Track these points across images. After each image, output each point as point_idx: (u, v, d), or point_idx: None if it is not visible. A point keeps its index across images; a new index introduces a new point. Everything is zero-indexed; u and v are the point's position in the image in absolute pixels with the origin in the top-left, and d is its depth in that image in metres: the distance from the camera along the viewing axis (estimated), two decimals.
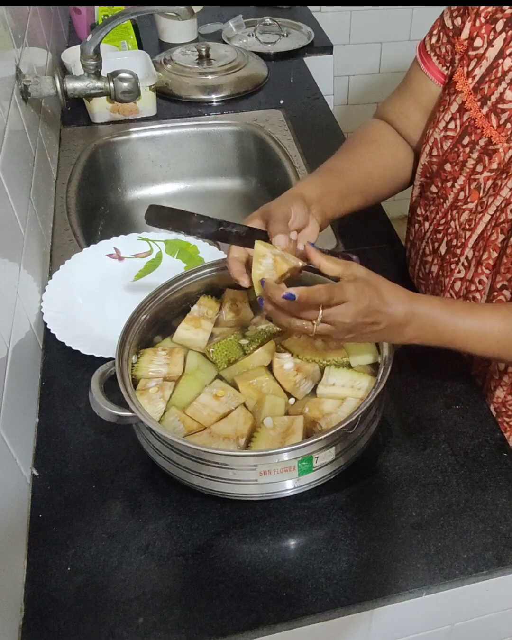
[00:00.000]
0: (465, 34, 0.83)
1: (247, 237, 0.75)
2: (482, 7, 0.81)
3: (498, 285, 0.86)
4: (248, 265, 0.75)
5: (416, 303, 0.72)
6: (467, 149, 0.85)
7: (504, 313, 0.76)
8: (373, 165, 0.96)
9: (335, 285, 0.67)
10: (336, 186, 0.89)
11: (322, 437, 0.68)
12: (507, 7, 0.79)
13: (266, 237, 0.75)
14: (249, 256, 0.76)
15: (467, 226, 0.88)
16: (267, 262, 0.71)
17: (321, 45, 1.73)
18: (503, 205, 0.82)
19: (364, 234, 1.17)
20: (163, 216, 0.78)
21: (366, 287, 0.68)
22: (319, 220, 0.84)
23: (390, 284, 0.72)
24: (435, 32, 0.90)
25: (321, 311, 0.66)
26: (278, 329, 0.83)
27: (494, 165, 0.82)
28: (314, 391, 0.78)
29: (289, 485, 0.73)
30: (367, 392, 0.74)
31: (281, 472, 0.70)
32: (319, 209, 0.84)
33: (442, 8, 0.91)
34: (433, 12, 0.97)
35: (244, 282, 0.75)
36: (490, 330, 0.75)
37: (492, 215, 0.84)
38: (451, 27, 0.87)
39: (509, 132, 0.80)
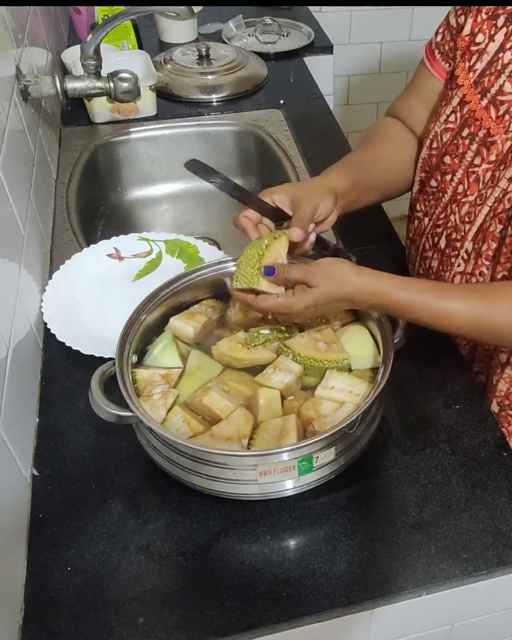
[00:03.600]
0: (466, 30, 0.85)
1: (271, 214, 0.83)
2: None
3: (498, 276, 0.86)
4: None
5: (379, 295, 0.75)
6: (467, 141, 0.86)
7: (473, 299, 0.76)
8: (392, 163, 0.99)
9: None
10: (360, 182, 0.92)
11: (322, 437, 0.68)
12: None
13: (286, 218, 0.83)
14: (260, 219, 0.83)
15: (467, 219, 0.88)
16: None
17: (321, 45, 1.73)
18: (501, 196, 0.83)
19: (364, 233, 1.17)
20: (200, 169, 0.88)
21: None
22: (338, 213, 0.89)
23: (351, 279, 0.75)
24: (441, 30, 0.93)
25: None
26: (277, 336, 0.83)
27: (493, 157, 0.83)
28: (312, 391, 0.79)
29: (289, 485, 0.73)
30: (363, 399, 0.74)
31: (280, 472, 0.70)
32: (342, 203, 0.89)
33: (442, 8, 0.92)
34: (433, 12, 0.97)
35: (253, 235, 0.82)
36: (457, 313, 0.75)
37: (491, 207, 0.85)
38: (454, 25, 0.89)
39: (507, 124, 0.81)
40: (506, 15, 0.80)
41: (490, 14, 0.82)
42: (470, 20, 0.84)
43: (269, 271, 0.76)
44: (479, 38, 0.83)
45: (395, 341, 0.77)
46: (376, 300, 0.75)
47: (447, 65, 0.91)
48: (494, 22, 0.81)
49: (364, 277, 0.75)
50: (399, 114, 1.02)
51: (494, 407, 0.95)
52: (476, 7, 0.83)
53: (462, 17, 0.86)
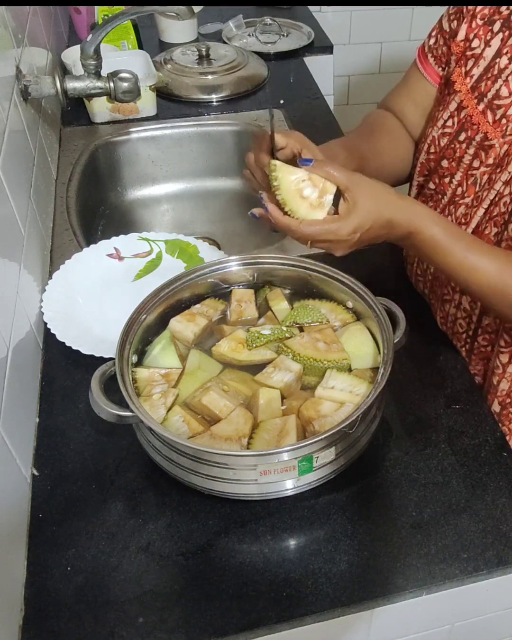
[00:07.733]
0: (461, 35, 0.85)
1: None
2: (478, 9, 0.83)
3: None
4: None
5: (417, 222, 0.74)
6: (464, 145, 0.86)
7: (503, 261, 0.76)
8: (389, 158, 0.99)
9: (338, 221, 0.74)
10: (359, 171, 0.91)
11: (323, 436, 0.68)
12: (504, 8, 0.80)
13: None
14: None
15: (463, 220, 0.89)
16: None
17: (321, 45, 1.73)
18: (497, 198, 0.83)
19: None
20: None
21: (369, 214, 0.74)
22: None
23: (393, 200, 0.74)
24: (434, 34, 0.92)
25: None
26: (278, 336, 0.83)
27: (491, 161, 0.83)
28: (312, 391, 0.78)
29: (289, 485, 0.73)
30: (364, 399, 0.74)
31: (280, 472, 0.70)
32: None
33: (442, 8, 0.92)
34: (433, 12, 0.98)
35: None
36: (484, 270, 0.76)
37: (486, 209, 0.85)
38: (447, 30, 0.88)
39: (504, 128, 0.81)
40: (501, 20, 0.80)
41: (486, 19, 0.82)
42: (464, 26, 0.84)
43: (306, 161, 0.73)
44: (475, 43, 0.83)
45: (395, 341, 0.77)
46: (412, 226, 0.74)
47: (440, 69, 0.92)
48: (490, 27, 0.81)
49: (404, 199, 0.75)
50: (391, 111, 1.03)
51: (496, 407, 0.95)
52: (470, 12, 0.83)
53: (455, 23, 0.86)
